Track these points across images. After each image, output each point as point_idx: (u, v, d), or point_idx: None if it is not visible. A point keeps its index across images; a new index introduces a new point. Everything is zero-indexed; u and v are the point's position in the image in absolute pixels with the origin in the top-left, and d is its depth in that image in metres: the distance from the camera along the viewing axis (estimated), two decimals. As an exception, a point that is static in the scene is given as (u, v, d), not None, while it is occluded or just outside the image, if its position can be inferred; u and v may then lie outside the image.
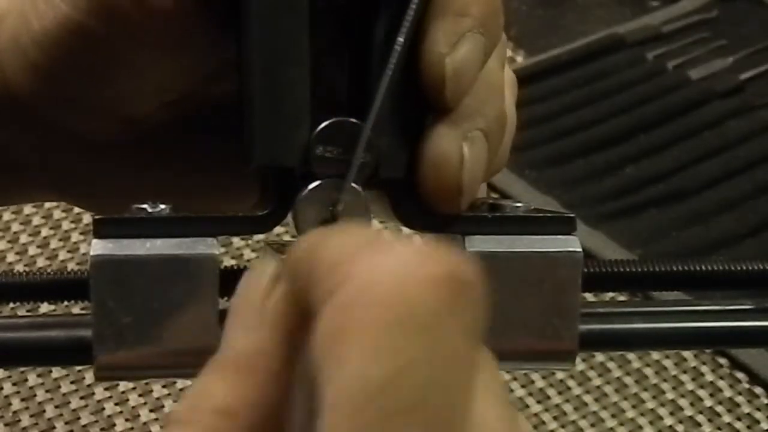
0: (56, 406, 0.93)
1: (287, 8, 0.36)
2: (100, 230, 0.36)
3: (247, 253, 1.04)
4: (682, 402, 0.97)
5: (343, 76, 0.38)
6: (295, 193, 0.37)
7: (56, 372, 0.95)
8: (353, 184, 0.37)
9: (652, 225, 1.10)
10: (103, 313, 0.35)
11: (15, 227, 1.07)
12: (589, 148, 1.17)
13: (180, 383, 0.92)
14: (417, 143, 0.37)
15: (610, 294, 0.66)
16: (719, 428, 0.95)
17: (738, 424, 0.95)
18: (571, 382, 0.98)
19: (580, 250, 0.38)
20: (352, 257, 0.27)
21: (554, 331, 0.38)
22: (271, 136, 0.37)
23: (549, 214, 0.38)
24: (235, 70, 0.38)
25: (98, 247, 0.36)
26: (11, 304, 0.39)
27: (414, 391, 0.25)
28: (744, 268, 0.42)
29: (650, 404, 0.96)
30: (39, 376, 0.95)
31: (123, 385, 0.95)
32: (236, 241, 1.05)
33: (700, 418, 0.96)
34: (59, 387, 0.95)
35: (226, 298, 0.36)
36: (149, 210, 0.36)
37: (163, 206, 0.36)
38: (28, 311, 0.77)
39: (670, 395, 0.97)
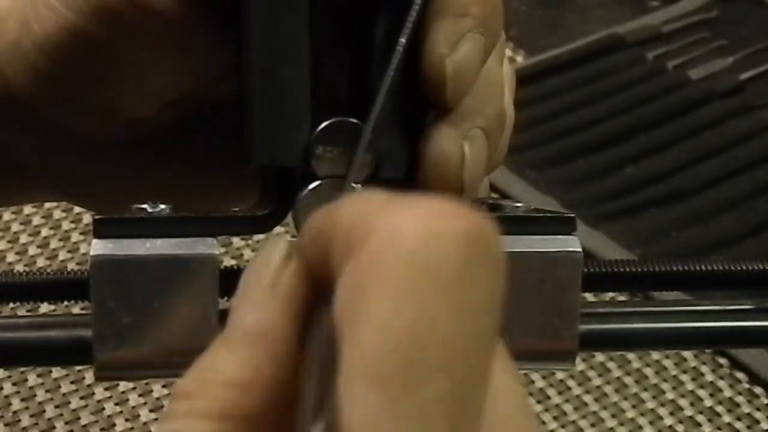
0: (56, 406, 0.93)
1: (287, 8, 0.36)
2: (100, 230, 0.36)
3: (247, 253, 1.04)
4: (682, 402, 0.97)
5: (343, 76, 0.38)
6: (295, 193, 0.37)
7: (56, 372, 0.95)
8: (353, 184, 0.37)
9: (652, 225, 1.10)
10: (103, 313, 0.35)
11: (15, 227, 1.07)
12: (589, 148, 1.17)
13: (180, 383, 0.92)
14: (417, 143, 0.37)
15: (610, 294, 0.66)
16: (719, 428, 0.95)
17: (738, 424, 0.95)
18: (571, 382, 0.98)
19: (580, 250, 0.38)
20: (373, 216, 0.26)
21: (554, 331, 0.38)
22: (271, 136, 0.37)
23: (549, 214, 0.38)
24: (235, 70, 0.38)
25: (98, 247, 0.36)
26: (11, 304, 0.39)
27: (441, 342, 0.25)
28: (744, 268, 0.42)
29: (650, 404, 0.96)
30: (39, 376, 0.95)
31: (123, 385, 0.95)
32: (236, 241, 1.05)
33: (700, 418, 0.96)
34: (59, 387, 0.95)
35: (226, 298, 0.36)
36: (149, 210, 0.36)
37: (163, 206, 0.36)
38: (28, 311, 0.77)
39: (670, 395, 0.97)
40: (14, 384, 0.95)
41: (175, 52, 0.39)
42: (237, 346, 0.29)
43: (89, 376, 0.94)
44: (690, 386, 0.98)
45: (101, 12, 0.38)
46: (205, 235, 0.36)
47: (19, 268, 1.03)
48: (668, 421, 0.95)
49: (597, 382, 0.98)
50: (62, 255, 1.05)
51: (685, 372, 0.99)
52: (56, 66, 0.40)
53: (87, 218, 1.06)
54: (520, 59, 1.27)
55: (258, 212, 0.38)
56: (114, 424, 0.92)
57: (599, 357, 0.99)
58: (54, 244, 1.05)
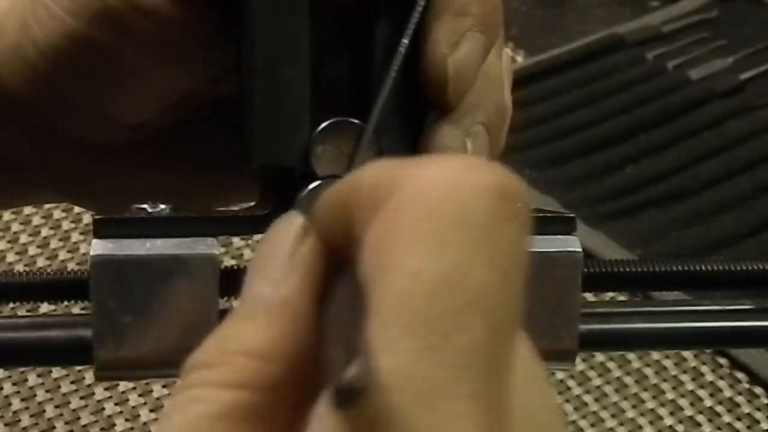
0: (56, 406, 0.93)
1: (287, 8, 0.36)
2: (100, 230, 0.36)
3: (247, 253, 1.04)
4: (682, 402, 0.97)
5: (343, 76, 0.38)
6: (295, 193, 0.37)
7: (56, 372, 0.95)
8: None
9: (652, 225, 1.10)
10: (103, 313, 0.35)
11: (15, 227, 1.06)
12: (589, 148, 1.17)
13: (180, 383, 0.92)
14: (418, 142, 0.37)
15: (610, 294, 0.66)
16: (719, 428, 0.95)
17: (738, 424, 0.95)
18: (571, 382, 0.98)
19: (580, 250, 0.38)
20: (399, 172, 0.26)
21: (554, 331, 0.38)
22: (271, 136, 0.37)
23: (549, 214, 0.38)
24: (235, 70, 0.38)
25: (98, 247, 0.36)
26: (11, 304, 0.39)
27: (474, 291, 0.24)
28: (744, 268, 0.42)
29: (650, 404, 0.96)
30: (39, 376, 0.95)
31: (123, 385, 0.95)
32: (236, 241, 1.05)
33: (700, 418, 0.96)
34: (59, 387, 0.95)
35: (226, 298, 0.36)
36: (149, 210, 0.36)
37: (163, 206, 0.36)
38: (28, 311, 0.77)
39: (670, 395, 0.97)
40: (14, 384, 0.95)
41: (175, 54, 0.39)
42: (257, 316, 0.28)
43: (89, 376, 0.94)
44: (690, 386, 0.98)
45: (101, 16, 0.38)
46: (205, 235, 0.36)
47: (19, 268, 1.03)
48: (668, 421, 0.95)
49: (597, 382, 0.98)
50: (62, 255, 1.05)
51: (685, 372, 0.99)
52: (56, 69, 0.40)
53: (87, 218, 1.06)
54: (520, 59, 1.27)
55: (258, 212, 0.38)
56: (114, 424, 0.92)
57: (599, 357, 0.99)
58: (54, 244, 1.05)
